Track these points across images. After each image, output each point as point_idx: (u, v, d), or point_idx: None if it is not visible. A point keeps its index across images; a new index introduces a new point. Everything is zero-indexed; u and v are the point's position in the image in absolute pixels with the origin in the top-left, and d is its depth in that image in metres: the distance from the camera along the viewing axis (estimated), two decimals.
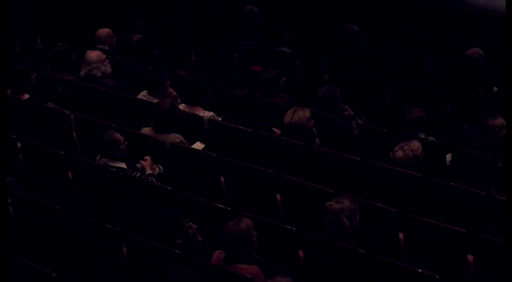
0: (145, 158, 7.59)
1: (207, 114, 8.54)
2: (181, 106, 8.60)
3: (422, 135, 8.27)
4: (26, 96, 8.70)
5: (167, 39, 11.19)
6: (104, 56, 9.31)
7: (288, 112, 8.03)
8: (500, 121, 7.98)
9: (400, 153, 7.52)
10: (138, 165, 7.54)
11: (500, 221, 7.06)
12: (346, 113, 8.69)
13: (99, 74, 9.19)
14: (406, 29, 12.63)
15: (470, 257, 6.69)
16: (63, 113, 8.42)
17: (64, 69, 9.39)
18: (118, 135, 7.41)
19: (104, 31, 10.29)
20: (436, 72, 10.37)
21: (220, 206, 6.84)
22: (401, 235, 6.97)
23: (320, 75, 9.81)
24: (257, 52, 10.13)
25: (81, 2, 12.07)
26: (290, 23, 11.31)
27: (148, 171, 7.49)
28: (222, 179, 7.71)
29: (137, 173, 7.38)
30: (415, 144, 7.55)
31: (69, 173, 7.64)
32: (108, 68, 9.29)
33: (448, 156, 8.13)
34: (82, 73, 9.25)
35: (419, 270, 6.09)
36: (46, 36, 10.40)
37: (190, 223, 6.49)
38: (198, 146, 8.16)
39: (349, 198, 6.47)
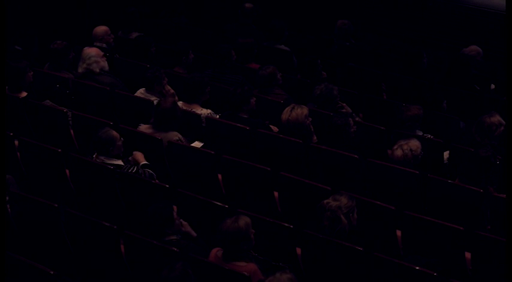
0: (134, 152, 7.59)
1: (204, 111, 8.54)
2: (179, 104, 8.60)
3: (420, 133, 8.28)
4: (23, 93, 8.70)
5: (165, 36, 11.19)
6: (102, 53, 9.32)
7: (286, 109, 8.03)
8: (497, 119, 7.98)
9: (399, 152, 7.52)
10: (130, 158, 7.53)
11: (497, 219, 7.07)
12: (344, 110, 8.69)
13: (98, 70, 9.18)
14: (404, 27, 12.64)
15: (467, 254, 6.69)
16: (60, 110, 8.42)
17: (62, 67, 9.39)
18: (114, 132, 7.40)
19: (101, 29, 10.29)
20: (434, 70, 10.38)
21: (218, 203, 6.84)
22: (399, 232, 6.98)
23: (318, 72, 9.81)
24: (255, 50, 10.14)
25: (79, 0, 12.07)
26: (288, 20, 11.32)
27: (143, 162, 7.48)
28: (219, 176, 7.71)
29: (133, 168, 7.37)
30: (415, 144, 7.54)
31: (67, 171, 7.64)
32: (106, 65, 9.29)
33: (446, 154, 8.14)
34: (80, 70, 9.24)
35: (417, 268, 6.09)
36: (43, 34, 10.40)
37: (181, 220, 6.49)
38: (197, 144, 8.16)
39: (347, 195, 6.47)
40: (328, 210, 6.38)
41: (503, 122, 7.97)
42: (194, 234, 6.55)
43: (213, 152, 7.65)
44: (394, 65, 10.50)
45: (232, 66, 9.65)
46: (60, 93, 8.84)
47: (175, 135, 7.96)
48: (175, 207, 6.68)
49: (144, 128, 8.07)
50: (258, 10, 11.48)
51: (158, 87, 8.85)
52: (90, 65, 9.17)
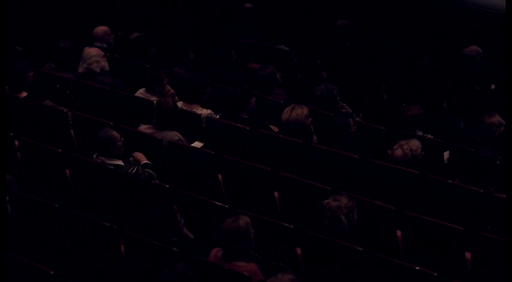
0: (135, 153, 7.60)
1: (204, 112, 8.54)
2: (179, 104, 8.60)
3: (420, 133, 8.27)
4: (23, 93, 8.70)
5: (165, 36, 11.19)
6: (102, 53, 9.32)
7: (286, 109, 8.03)
8: (497, 119, 7.97)
9: (399, 152, 7.52)
10: (131, 159, 7.54)
11: (497, 219, 7.07)
12: (344, 110, 8.69)
13: (98, 70, 9.19)
14: (404, 27, 12.64)
15: (468, 255, 6.69)
16: (61, 110, 8.42)
17: (62, 67, 9.39)
18: (114, 133, 7.40)
19: (101, 29, 10.30)
20: (434, 70, 10.38)
21: (218, 203, 6.84)
22: (399, 232, 6.97)
23: (318, 72, 9.82)
24: (255, 50, 10.14)
25: (79, 0, 12.08)
26: (288, 20, 11.33)
27: (144, 161, 7.48)
28: (219, 176, 7.71)
29: (134, 168, 7.37)
30: (415, 144, 7.53)
31: (67, 171, 7.64)
32: (106, 65, 9.29)
33: (446, 154, 8.13)
34: (80, 70, 9.24)
35: (417, 268, 6.09)
36: (43, 34, 10.40)
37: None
38: (197, 144, 8.16)
39: (347, 195, 6.47)
40: (328, 210, 6.38)
41: (503, 122, 7.97)
42: (191, 236, 6.55)
43: (213, 152, 7.65)
44: (394, 65, 10.50)
45: (232, 66, 9.65)
46: (60, 93, 8.84)
47: (175, 135, 7.96)
48: (175, 207, 6.69)
49: (144, 128, 8.07)
50: (258, 10, 11.48)
51: (158, 87, 8.86)
52: (91, 64, 9.18)
